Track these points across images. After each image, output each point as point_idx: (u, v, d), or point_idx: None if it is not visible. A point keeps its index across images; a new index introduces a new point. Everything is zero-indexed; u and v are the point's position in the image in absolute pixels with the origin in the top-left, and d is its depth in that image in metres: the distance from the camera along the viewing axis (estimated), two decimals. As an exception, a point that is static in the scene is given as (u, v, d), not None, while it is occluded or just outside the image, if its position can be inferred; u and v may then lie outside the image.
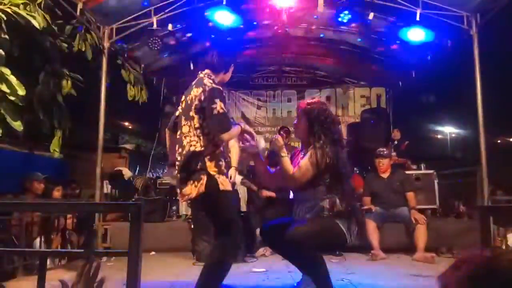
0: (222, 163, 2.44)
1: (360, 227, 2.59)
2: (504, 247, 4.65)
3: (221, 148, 2.48)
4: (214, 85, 2.48)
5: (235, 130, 2.50)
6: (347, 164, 2.63)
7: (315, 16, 6.34)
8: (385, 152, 5.30)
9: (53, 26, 4.62)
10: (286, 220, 2.69)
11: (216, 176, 2.38)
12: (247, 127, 2.67)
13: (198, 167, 2.39)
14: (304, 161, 2.57)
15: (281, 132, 6.82)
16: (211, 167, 2.39)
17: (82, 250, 1.21)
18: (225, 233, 2.41)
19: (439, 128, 19.70)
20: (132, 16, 5.58)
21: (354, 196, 2.65)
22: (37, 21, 3.92)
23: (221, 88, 2.48)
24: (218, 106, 2.38)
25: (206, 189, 2.36)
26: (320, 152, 2.50)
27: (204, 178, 2.37)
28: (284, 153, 2.62)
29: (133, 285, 1.28)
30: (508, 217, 4.14)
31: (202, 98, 2.44)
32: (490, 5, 4.97)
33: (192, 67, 7.44)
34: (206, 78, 2.55)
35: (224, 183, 2.39)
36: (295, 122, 2.80)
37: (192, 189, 2.38)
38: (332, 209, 2.51)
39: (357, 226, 2.54)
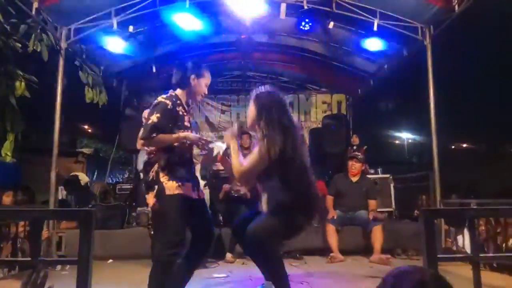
0: (179, 172, 2.53)
1: (321, 215, 2.72)
2: (454, 248, 4.90)
3: (176, 158, 2.56)
4: (162, 99, 2.59)
5: (159, 138, 2.50)
6: (304, 154, 2.57)
7: (278, 23, 6.44)
8: (359, 156, 5.45)
9: (6, 25, 4.40)
10: (252, 215, 2.71)
11: (165, 183, 2.47)
12: (199, 137, 2.70)
13: (152, 177, 2.50)
14: (253, 154, 2.54)
15: (244, 136, 6.82)
16: (163, 175, 2.49)
17: (29, 259, 1.17)
18: (163, 232, 2.49)
19: (396, 133, 20.47)
20: (92, 17, 5.44)
21: (311, 186, 2.59)
22: (-13, 19, 3.73)
23: (167, 102, 2.57)
24: (153, 117, 2.50)
25: (156, 196, 2.48)
26: (269, 141, 2.40)
27: (156, 188, 2.48)
28: (233, 147, 2.63)
29: (83, 294, 1.25)
30: (453, 219, 4.36)
31: (150, 109, 2.62)
32: (442, 16, 5.23)
33: (154, 70, 7.36)
34: (166, 94, 2.67)
35: (170, 188, 2.47)
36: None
37: (150, 199, 2.51)
38: (289, 201, 2.47)
39: (316, 214, 2.62)
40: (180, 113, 2.64)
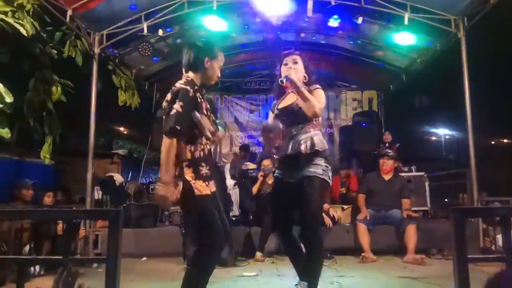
0: (203, 168, 2.40)
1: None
2: (493, 248, 4.70)
3: (200, 153, 2.40)
4: (181, 85, 2.37)
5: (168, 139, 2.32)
6: None
7: (305, 21, 6.39)
8: (390, 153, 5.34)
9: (42, 33, 4.61)
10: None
11: (192, 182, 2.34)
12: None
13: (176, 173, 2.36)
14: (318, 93, 2.77)
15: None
16: (188, 173, 2.35)
17: (60, 257, 1.22)
18: (204, 237, 2.38)
19: (432, 130, 19.81)
20: (123, 22, 5.61)
21: None
22: (26, 28, 3.92)
23: (188, 88, 2.34)
24: (177, 105, 2.29)
25: (182, 195, 2.34)
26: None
27: (180, 185, 2.35)
28: (301, 86, 2.70)
29: (111, 291, 1.29)
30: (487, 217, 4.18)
31: (169, 98, 2.39)
32: (476, 8, 5.03)
33: (183, 72, 7.47)
34: (183, 79, 2.46)
35: (200, 188, 2.35)
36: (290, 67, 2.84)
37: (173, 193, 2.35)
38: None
39: None
40: (199, 100, 2.43)
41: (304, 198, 2.66)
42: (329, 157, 2.85)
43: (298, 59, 2.90)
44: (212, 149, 2.56)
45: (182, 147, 2.38)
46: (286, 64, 2.89)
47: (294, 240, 2.89)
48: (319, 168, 2.68)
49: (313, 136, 2.72)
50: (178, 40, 6.54)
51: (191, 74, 2.48)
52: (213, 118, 2.60)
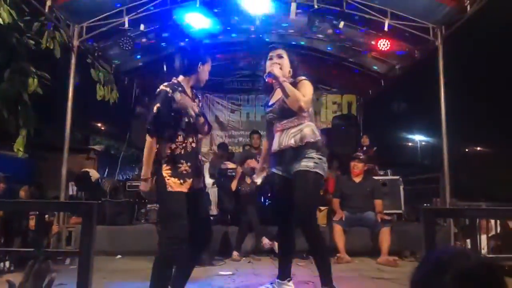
0: (182, 165, 2.49)
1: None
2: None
3: (181, 151, 2.52)
4: (162, 87, 2.55)
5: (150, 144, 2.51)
6: None
7: (288, 23, 6.44)
8: (361, 157, 5.43)
9: (20, 23, 4.50)
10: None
11: (167, 178, 2.46)
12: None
13: (154, 170, 2.50)
14: (305, 85, 2.77)
15: (254, 136, 6.85)
16: (165, 169, 2.47)
17: (31, 249, 1.19)
18: (167, 230, 2.51)
19: (409, 135, 20.25)
20: (104, 15, 5.50)
21: None
22: (2, 17, 3.83)
23: (167, 90, 2.52)
24: (155, 107, 2.49)
25: (156, 190, 2.49)
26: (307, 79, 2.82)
27: (155, 179, 2.49)
28: (284, 80, 2.72)
29: (83, 285, 1.27)
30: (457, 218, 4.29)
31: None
32: (454, 17, 5.17)
33: (165, 68, 7.41)
34: (167, 82, 2.61)
35: (172, 185, 2.45)
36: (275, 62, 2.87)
37: (144, 185, 2.54)
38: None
39: None
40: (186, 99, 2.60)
41: (296, 194, 2.72)
42: (323, 148, 2.86)
43: (283, 54, 2.95)
44: (196, 147, 2.65)
45: (162, 145, 2.52)
46: (271, 59, 2.94)
47: (291, 237, 2.95)
48: (311, 161, 2.72)
49: (303, 128, 2.77)
50: (161, 36, 6.46)
51: (180, 78, 2.66)
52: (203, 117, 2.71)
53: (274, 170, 2.93)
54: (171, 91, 2.51)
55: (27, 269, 1.20)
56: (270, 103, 2.96)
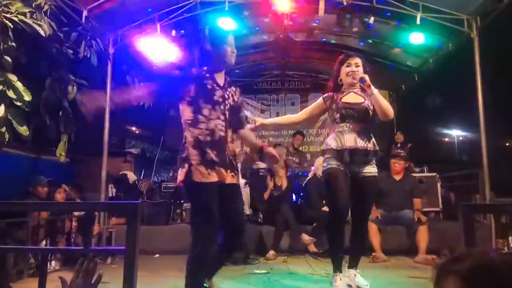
0: (208, 152, 2.42)
1: None
2: (506, 249, 4.66)
3: (207, 137, 2.45)
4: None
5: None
6: None
7: (317, 21, 6.41)
8: (402, 154, 5.35)
9: (59, 33, 4.71)
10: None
11: (194, 166, 2.39)
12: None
13: (184, 155, 2.43)
14: (380, 95, 2.97)
15: (297, 135, 6.92)
16: (194, 154, 2.42)
17: (81, 248, 1.28)
18: (197, 223, 2.44)
19: (445, 131, 19.59)
20: (137, 23, 5.69)
21: None
22: (43, 29, 4.02)
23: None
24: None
25: (184, 178, 2.40)
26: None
27: (186, 167, 2.41)
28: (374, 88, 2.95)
29: (129, 281, 1.34)
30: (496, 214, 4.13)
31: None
32: (489, 7, 5.00)
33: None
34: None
35: (199, 175, 2.38)
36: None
37: (181, 175, 2.44)
38: None
39: None
40: (209, 86, 2.53)
41: (366, 197, 3.18)
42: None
43: (360, 63, 3.10)
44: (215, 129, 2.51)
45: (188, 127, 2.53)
46: (349, 66, 3.09)
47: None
48: (375, 167, 3.10)
49: (373, 137, 3.10)
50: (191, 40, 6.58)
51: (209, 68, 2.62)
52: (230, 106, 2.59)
53: (335, 165, 3.02)
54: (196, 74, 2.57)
55: (77, 266, 1.28)
56: (346, 101, 3.09)
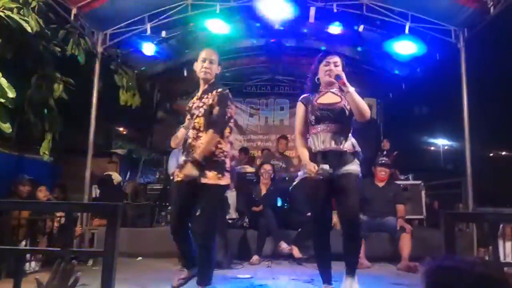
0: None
1: None
2: (487, 257, 4.71)
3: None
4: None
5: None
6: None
7: (307, 27, 6.45)
8: (387, 162, 5.37)
9: (47, 30, 4.65)
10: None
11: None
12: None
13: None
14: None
15: (281, 140, 6.92)
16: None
17: (59, 249, 1.25)
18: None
19: (431, 139, 19.84)
20: (126, 23, 5.65)
21: None
22: (30, 25, 3.97)
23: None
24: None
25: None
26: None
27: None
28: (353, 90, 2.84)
29: (107, 284, 1.31)
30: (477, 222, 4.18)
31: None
32: (477, 19, 5.08)
33: (185, 74, 7.52)
34: None
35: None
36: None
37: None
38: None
39: None
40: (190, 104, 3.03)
41: (348, 195, 2.96)
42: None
43: (340, 62, 2.99)
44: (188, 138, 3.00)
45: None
46: (327, 65, 2.97)
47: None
48: (356, 165, 2.94)
49: (351, 138, 2.97)
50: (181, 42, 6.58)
51: None
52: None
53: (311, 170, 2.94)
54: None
55: (54, 268, 1.25)
56: (320, 101, 2.97)
